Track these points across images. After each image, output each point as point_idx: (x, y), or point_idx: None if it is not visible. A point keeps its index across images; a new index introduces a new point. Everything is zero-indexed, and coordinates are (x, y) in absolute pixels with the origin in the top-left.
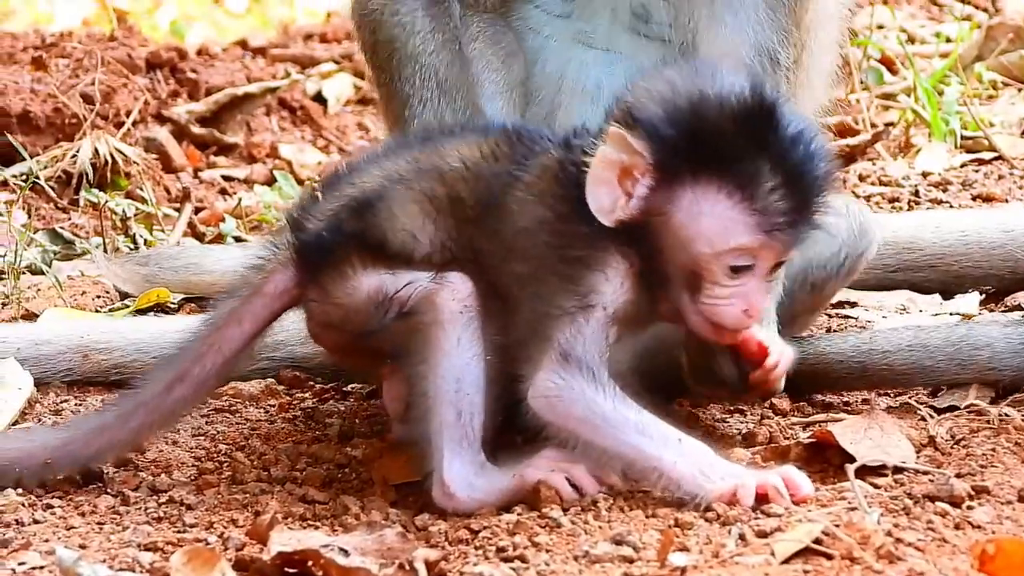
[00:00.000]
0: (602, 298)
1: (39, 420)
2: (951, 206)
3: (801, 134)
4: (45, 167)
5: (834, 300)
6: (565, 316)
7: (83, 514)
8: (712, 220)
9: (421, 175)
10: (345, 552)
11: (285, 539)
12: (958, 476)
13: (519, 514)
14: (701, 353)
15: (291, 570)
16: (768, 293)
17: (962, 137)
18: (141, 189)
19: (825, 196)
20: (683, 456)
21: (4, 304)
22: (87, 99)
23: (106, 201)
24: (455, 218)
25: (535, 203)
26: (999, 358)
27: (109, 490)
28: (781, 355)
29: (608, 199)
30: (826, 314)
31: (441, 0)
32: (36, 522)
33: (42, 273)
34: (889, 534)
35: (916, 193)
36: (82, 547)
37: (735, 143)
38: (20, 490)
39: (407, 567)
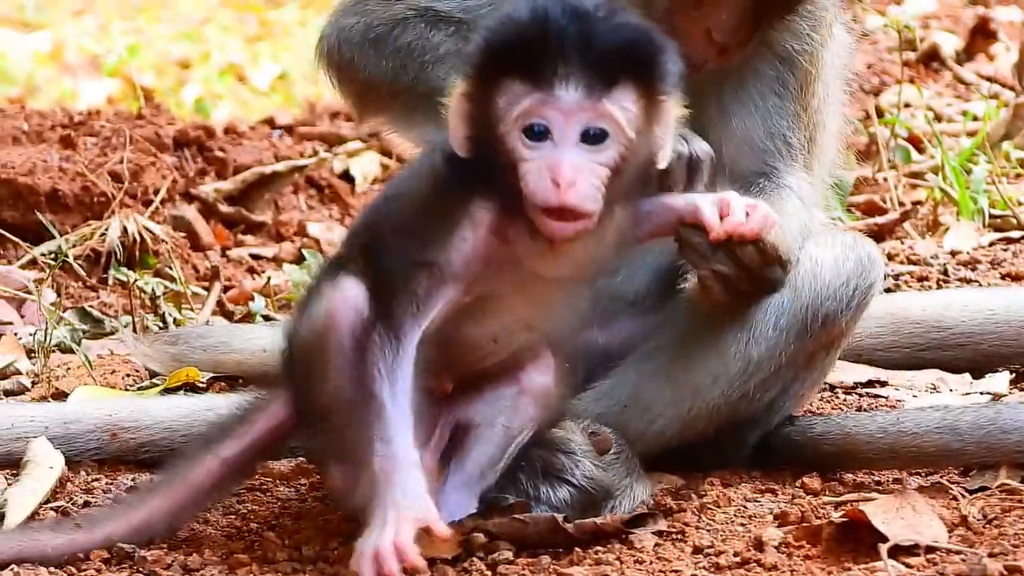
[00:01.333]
0: (439, 252)
1: (71, 499)
2: (980, 285)
3: (589, 15)
4: (74, 245)
5: (864, 379)
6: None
7: None
8: (498, 102)
9: None
10: None
11: None
12: (991, 556)
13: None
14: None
15: None
16: (586, 165)
17: (990, 216)
18: (170, 268)
19: (623, 60)
20: (388, 460)
21: (34, 383)
22: (115, 177)
23: (135, 280)
24: None
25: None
26: None
27: (141, 569)
28: (752, 206)
29: (457, 128)
30: (856, 393)
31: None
32: None
33: (72, 352)
34: None
35: (945, 272)
36: None
37: (519, 35)
38: (52, 568)
39: None
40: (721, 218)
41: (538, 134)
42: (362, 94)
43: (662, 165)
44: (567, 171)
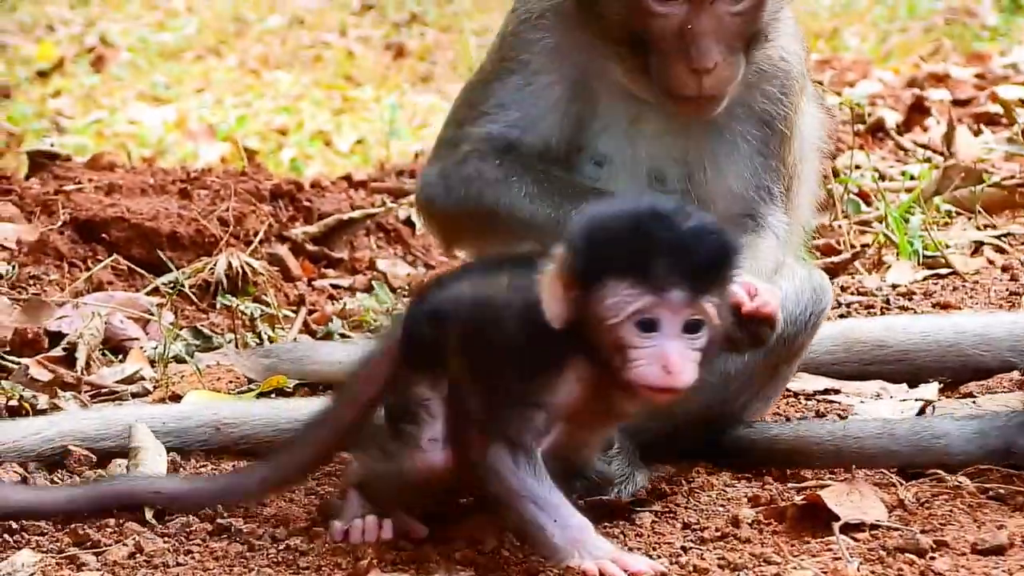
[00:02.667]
0: (549, 395)
1: None
2: (915, 312)
3: (681, 224)
4: (189, 277)
5: (821, 388)
6: (510, 408)
7: (216, 558)
8: (606, 297)
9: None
10: None
11: None
12: (923, 532)
13: None
14: None
15: None
16: (688, 352)
17: (924, 256)
18: (266, 295)
19: (716, 265)
20: (565, 531)
21: (155, 387)
22: (223, 222)
23: (237, 305)
24: None
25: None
26: (955, 445)
27: (237, 539)
28: (770, 292)
29: (555, 305)
30: (815, 399)
31: (511, 158)
32: (179, 564)
33: (185, 362)
34: None
35: (887, 302)
36: None
37: (624, 242)
38: (166, 538)
39: None
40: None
41: (649, 327)
42: (443, 227)
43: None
44: (677, 361)
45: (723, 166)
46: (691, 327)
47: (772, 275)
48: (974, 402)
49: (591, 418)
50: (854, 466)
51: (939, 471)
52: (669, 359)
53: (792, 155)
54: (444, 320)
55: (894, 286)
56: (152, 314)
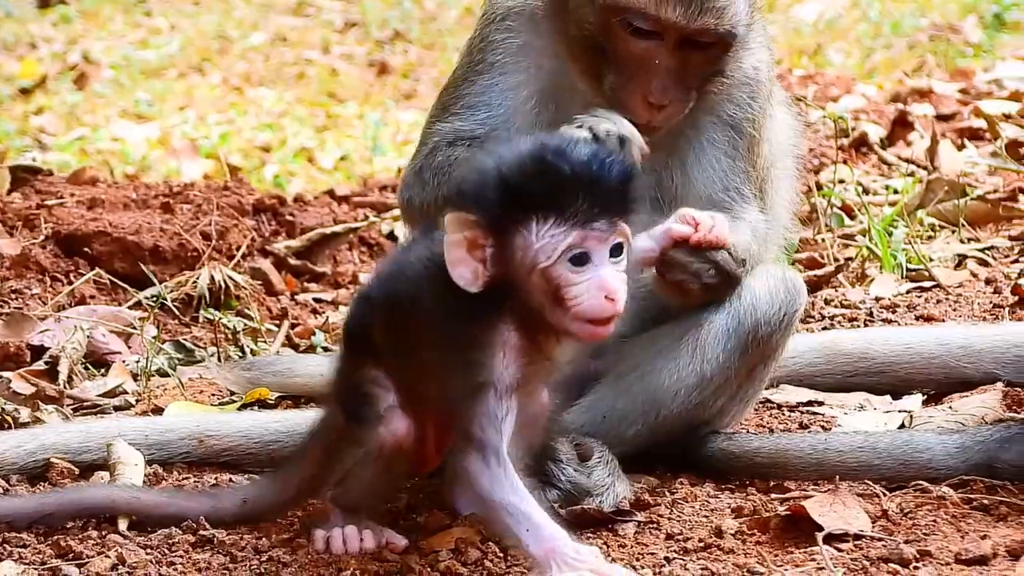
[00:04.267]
0: (491, 373)
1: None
2: (899, 324)
3: (581, 155)
4: (171, 291)
5: (804, 400)
6: (463, 399)
7: (199, 570)
8: (540, 240)
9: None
10: None
11: None
12: (906, 542)
13: None
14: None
15: None
16: (621, 276)
17: (907, 269)
18: (248, 309)
19: (625, 186)
20: (539, 541)
21: (138, 400)
22: (205, 236)
23: (220, 318)
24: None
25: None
26: (937, 460)
27: (220, 551)
28: (711, 217)
29: (468, 271)
30: (798, 411)
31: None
32: None
33: (168, 376)
34: None
35: (870, 314)
36: None
37: (537, 183)
38: (148, 549)
39: None
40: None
41: (581, 260)
42: (421, 220)
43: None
44: (617, 287)
45: (692, 171)
46: (615, 251)
47: (746, 253)
48: (950, 407)
49: (532, 380)
50: (837, 477)
51: (922, 482)
52: (608, 286)
53: (762, 158)
54: (370, 299)
55: (877, 299)
56: (135, 328)
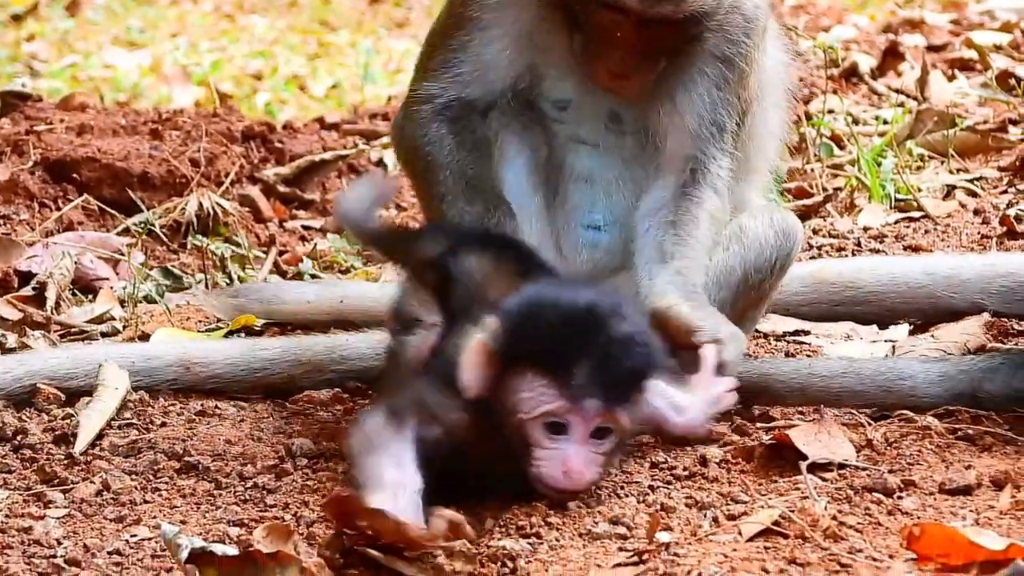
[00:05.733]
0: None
1: (150, 421)
2: (887, 254)
3: (611, 330)
4: (160, 217)
5: (791, 329)
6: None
7: (184, 496)
8: (529, 392)
9: None
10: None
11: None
12: (891, 472)
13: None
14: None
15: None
16: (592, 457)
17: (896, 200)
18: (236, 236)
19: (635, 379)
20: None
21: (125, 326)
22: (194, 163)
23: (208, 245)
24: None
25: None
26: (920, 388)
27: (205, 477)
28: (698, 406)
29: (471, 374)
30: (784, 340)
31: (462, 118)
32: (146, 502)
33: (155, 302)
34: (834, 518)
35: (858, 244)
36: (182, 523)
37: (550, 336)
38: (134, 475)
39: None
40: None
41: (557, 429)
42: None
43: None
44: (579, 470)
45: (680, 104)
46: (599, 433)
47: (710, 252)
48: (932, 336)
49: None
50: (821, 405)
51: (907, 411)
52: (571, 465)
53: (748, 90)
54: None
55: (866, 229)
56: (122, 254)
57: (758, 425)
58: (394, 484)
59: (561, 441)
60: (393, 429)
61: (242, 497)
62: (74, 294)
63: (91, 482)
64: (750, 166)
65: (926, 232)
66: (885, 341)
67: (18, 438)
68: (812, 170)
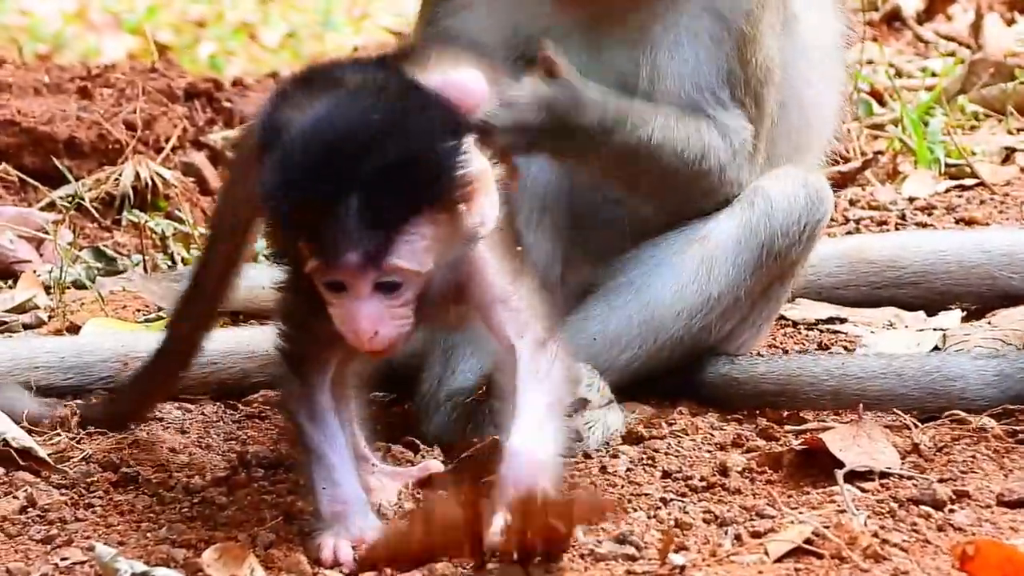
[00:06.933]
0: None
1: (84, 425)
2: (935, 228)
3: (360, 168)
4: (90, 189)
5: (824, 316)
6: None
7: (122, 513)
8: (304, 251)
9: None
10: None
11: None
12: (940, 481)
13: None
14: None
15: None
16: (382, 312)
17: (946, 165)
18: (179, 210)
19: (396, 220)
20: (330, 500)
21: (51, 317)
22: (129, 126)
23: (146, 221)
24: None
25: None
26: (973, 389)
27: (146, 491)
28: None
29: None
30: (817, 329)
31: None
32: (78, 520)
33: (86, 288)
34: (875, 535)
35: (903, 217)
36: (120, 544)
37: (295, 192)
38: (63, 489)
39: None
40: None
41: (336, 287)
42: None
43: (485, 232)
44: (365, 325)
45: (663, 63)
46: (386, 286)
47: (693, 147)
48: (989, 323)
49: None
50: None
51: (959, 412)
52: (355, 325)
53: (758, 60)
54: None
55: (911, 199)
56: (47, 233)
57: (787, 428)
58: (335, 517)
59: (344, 297)
60: (307, 412)
61: (188, 514)
62: None
63: (14, 497)
64: (796, 146)
65: (982, 203)
66: (934, 330)
67: None
68: (848, 131)
